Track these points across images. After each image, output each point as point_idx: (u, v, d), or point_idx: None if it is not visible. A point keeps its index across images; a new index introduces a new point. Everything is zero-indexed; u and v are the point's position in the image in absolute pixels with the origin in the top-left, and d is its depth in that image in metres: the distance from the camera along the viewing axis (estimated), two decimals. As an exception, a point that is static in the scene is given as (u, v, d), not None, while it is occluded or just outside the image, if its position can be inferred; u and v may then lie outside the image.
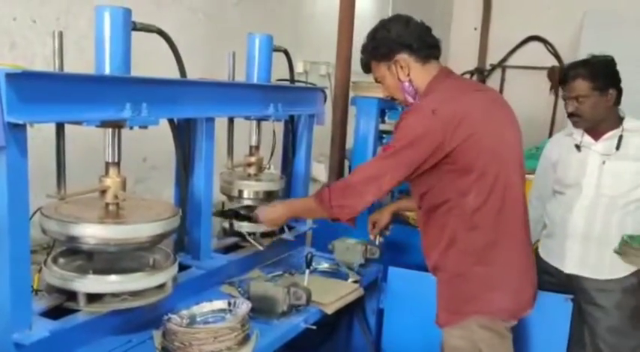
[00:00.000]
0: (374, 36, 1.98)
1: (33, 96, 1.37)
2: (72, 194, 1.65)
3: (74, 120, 1.52)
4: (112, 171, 1.73)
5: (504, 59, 7.90)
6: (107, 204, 1.74)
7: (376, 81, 2.08)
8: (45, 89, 1.41)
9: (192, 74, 2.01)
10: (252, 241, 2.29)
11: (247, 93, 2.16)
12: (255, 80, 2.30)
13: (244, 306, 1.75)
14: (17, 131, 1.36)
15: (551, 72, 7.41)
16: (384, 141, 3.40)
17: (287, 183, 2.68)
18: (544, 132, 7.84)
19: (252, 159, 2.40)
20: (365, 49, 2.02)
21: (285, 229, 2.45)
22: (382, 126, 3.39)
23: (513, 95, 5.42)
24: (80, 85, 1.51)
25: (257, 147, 2.42)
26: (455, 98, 1.86)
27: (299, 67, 4.55)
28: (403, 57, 1.94)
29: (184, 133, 2.03)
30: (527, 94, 6.91)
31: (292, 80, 2.60)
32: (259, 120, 2.38)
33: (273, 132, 2.60)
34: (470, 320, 1.90)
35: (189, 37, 3.14)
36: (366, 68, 2.06)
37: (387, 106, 3.30)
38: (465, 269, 1.91)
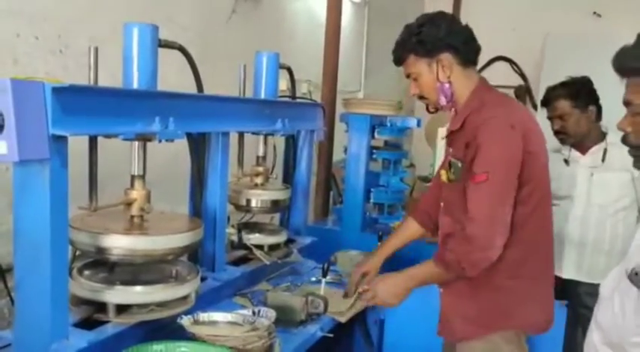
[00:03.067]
0: (420, 30, 1.89)
1: (75, 109, 1.41)
2: (103, 206, 1.67)
3: (110, 133, 1.56)
4: (138, 183, 1.76)
5: (472, 78, 8.12)
6: (132, 217, 1.76)
7: (408, 76, 1.99)
8: (85, 102, 1.44)
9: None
10: (259, 255, 2.32)
11: (258, 109, 2.22)
12: (262, 96, 2.36)
13: (270, 314, 1.79)
14: (60, 143, 1.39)
15: (518, 90, 7.67)
16: (373, 156, 3.49)
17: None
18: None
19: (260, 169, 2.45)
20: (405, 42, 1.93)
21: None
22: (373, 142, 3.49)
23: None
24: (116, 99, 1.54)
25: (264, 158, 2.48)
26: (516, 112, 1.86)
27: (282, 85, 4.65)
28: (447, 57, 1.88)
29: (199, 147, 2.07)
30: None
31: (294, 97, 2.67)
32: (266, 135, 2.44)
33: (274, 146, 2.66)
34: (495, 335, 1.88)
35: (180, 55, 3.19)
36: (400, 61, 1.97)
37: (376, 122, 3.40)
38: (497, 281, 1.86)
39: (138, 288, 1.68)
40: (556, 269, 2.64)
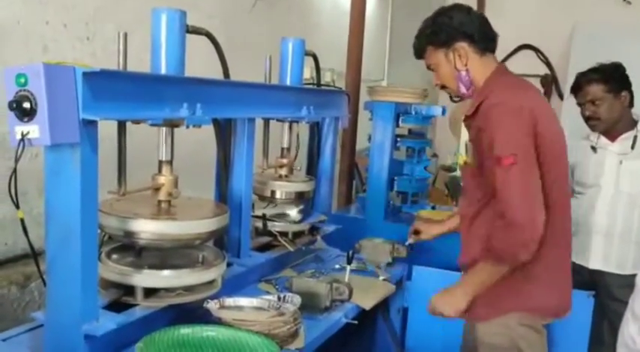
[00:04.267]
0: (434, 21, 1.95)
1: (105, 94, 1.42)
2: (131, 191, 1.69)
3: (138, 117, 1.57)
4: (166, 168, 1.77)
5: (497, 67, 8.02)
6: (160, 202, 1.78)
7: (428, 68, 2.04)
8: (114, 87, 1.45)
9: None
10: (283, 242, 2.33)
11: (284, 96, 2.22)
12: (288, 83, 2.36)
13: (295, 300, 1.79)
14: (90, 127, 1.41)
15: (544, 80, 7.57)
16: (398, 144, 3.47)
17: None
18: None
19: (284, 160, 2.45)
20: (422, 34, 1.99)
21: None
22: (397, 130, 3.47)
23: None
24: (145, 84, 1.55)
25: (288, 149, 2.48)
26: (526, 94, 1.87)
27: (306, 73, 4.65)
28: (463, 46, 1.92)
29: (225, 133, 2.08)
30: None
31: (319, 83, 2.66)
32: (291, 122, 2.44)
33: (297, 135, 2.66)
34: (509, 317, 1.89)
35: (207, 42, 3.20)
36: (420, 54, 2.02)
37: (401, 110, 3.37)
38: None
39: (165, 272, 1.69)
40: (583, 260, 2.63)
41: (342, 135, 4.08)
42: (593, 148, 2.68)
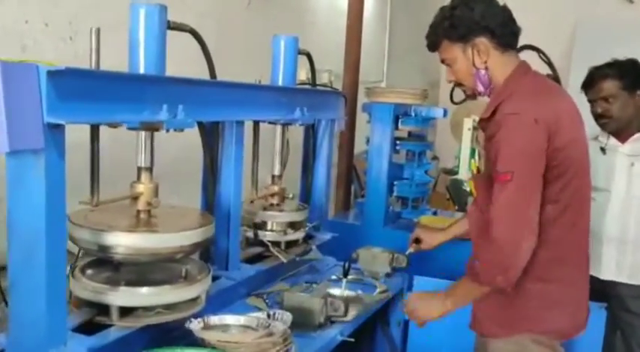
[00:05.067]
0: (452, 13, 1.77)
1: (73, 95, 1.28)
2: (105, 201, 1.55)
3: (113, 121, 1.44)
4: (145, 176, 1.64)
5: (498, 68, 7.93)
6: (139, 212, 1.64)
7: (443, 62, 1.87)
8: (84, 88, 1.32)
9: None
10: (275, 252, 2.19)
11: (276, 97, 2.08)
12: (280, 83, 2.23)
13: (286, 317, 1.66)
14: (56, 132, 1.27)
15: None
16: (397, 147, 3.34)
17: (307, 190, 2.61)
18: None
19: (275, 188, 2.32)
20: (438, 26, 1.81)
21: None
22: (396, 133, 3.33)
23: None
24: (119, 85, 1.42)
25: (280, 177, 2.34)
26: (548, 101, 1.72)
27: (301, 75, 4.52)
28: (483, 41, 1.75)
29: (212, 137, 1.95)
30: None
31: (314, 84, 2.53)
32: (284, 125, 2.30)
33: (287, 141, 2.51)
34: (524, 336, 1.77)
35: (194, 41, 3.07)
36: (434, 47, 1.85)
37: (400, 112, 3.24)
38: (523, 284, 1.70)
39: (143, 289, 1.55)
40: (594, 270, 2.48)
41: (339, 137, 3.95)
42: (603, 149, 2.54)
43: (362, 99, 3.67)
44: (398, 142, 3.32)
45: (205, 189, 1.99)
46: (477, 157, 1.81)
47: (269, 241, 2.22)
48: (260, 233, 2.23)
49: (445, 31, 1.79)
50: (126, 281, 1.59)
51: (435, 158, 6.52)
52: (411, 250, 2.43)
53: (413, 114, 3.29)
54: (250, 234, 2.25)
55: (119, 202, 1.65)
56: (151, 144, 1.62)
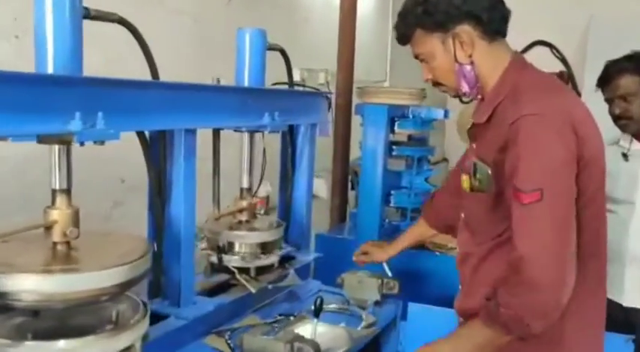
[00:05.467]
0: None
1: None
2: (6, 233, 1.25)
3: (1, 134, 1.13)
4: (61, 200, 1.32)
5: (509, 65, 7.60)
6: (55, 244, 1.34)
7: (416, 57, 1.56)
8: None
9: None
10: (243, 281, 1.88)
11: (237, 100, 1.77)
12: (246, 83, 1.92)
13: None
14: None
15: (560, 77, 7.10)
16: (394, 153, 3.01)
17: (286, 204, 2.29)
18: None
19: (244, 203, 2.00)
20: (408, 13, 1.49)
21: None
22: (391, 137, 3.01)
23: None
24: (11, 87, 1.11)
25: (249, 189, 2.03)
26: (565, 100, 1.40)
27: (295, 75, 4.20)
28: (466, 29, 1.43)
29: (158, 149, 1.64)
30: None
31: (291, 84, 2.22)
32: (252, 133, 1.99)
33: (264, 150, 2.21)
34: None
35: (174, 43, 2.78)
36: (404, 39, 1.54)
37: (397, 114, 2.92)
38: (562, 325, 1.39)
39: (60, 343, 1.24)
40: (616, 295, 2.14)
41: (334, 142, 3.64)
42: (625, 156, 2.20)
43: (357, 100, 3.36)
44: (394, 147, 3.00)
45: (152, 210, 1.68)
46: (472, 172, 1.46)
47: (235, 267, 1.91)
48: (225, 257, 1.92)
49: (418, 19, 1.46)
50: (38, 331, 1.28)
51: (444, 160, 6.18)
52: (355, 259, 2.26)
53: (410, 115, 2.97)
54: (215, 258, 1.94)
55: (33, 234, 1.34)
56: (67, 160, 1.32)
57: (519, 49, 5.24)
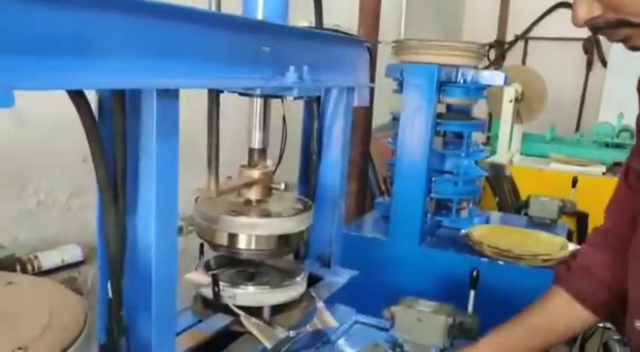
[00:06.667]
0: None
1: None
2: None
3: None
4: None
5: (528, 29, 6.95)
6: None
7: None
8: None
9: None
10: (253, 330, 1.20)
11: (246, 42, 1.07)
12: (259, 16, 1.21)
13: None
14: None
15: (587, 44, 6.44)
16: (438, 128, 2.34)
17: (309, 199, 1.61)
18: (572, 114, 6.91)
19: (256, 173, 1.31)
20: None
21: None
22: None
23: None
24: None
25: (263, 151, 1.33)
26: None
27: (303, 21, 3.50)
28: None
29: (113, 124, 0.95)
30: (554, 70, 5.85)
31: (320, 26, 1.51)
32: (267, 98, 1.29)
33: (283, 118, 1.54)
34: None
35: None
36: None
37: (446, 77, 2.23)
38: None
39: None
40: None
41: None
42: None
43: (383, 60, 2.67)
44: (439, 121, 2.31)
45: (103, 227, 0.99)
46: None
47: (238, 306, 1.23)
48: (224, 290, 1.23)
49: None
50: None
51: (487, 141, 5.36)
52: None
53: (461, 80, 2.28)
54: (207, 289, 1.25)
55: None
56: None
57: (541, 11, 4.53)
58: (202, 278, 1.26)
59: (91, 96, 0.91)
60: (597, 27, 0.91)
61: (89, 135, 0.89)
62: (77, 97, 0.84)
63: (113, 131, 0.93)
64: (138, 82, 0.85)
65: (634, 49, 0.93)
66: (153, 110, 0.91)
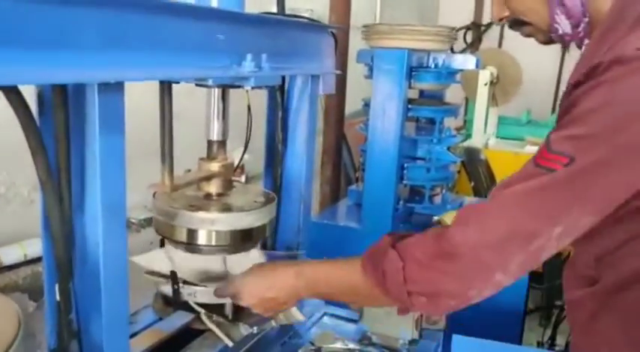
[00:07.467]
0: None
1: None
2: None
3: None
4: None
5: (505, 12, 6.92)
6: None
7: None
8: None
9: None
10: (214, 328, 1.17)
11: (199, 30, 1.02)
12: (214, 3, 1.16)
13: None
14: None
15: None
16: (410, 114, 2.31)
17: (274, 189, 1.58)
18: (548, 96, 6.93)
19: (215, 166, 1.26)
20: None
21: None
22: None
23: (513, 55, 4.42)
24: None
25: (222, 143, 1.29)
26: None
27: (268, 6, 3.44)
28: None
29: (54, 119, 0.90)
30: (530, 51, 5.83)
31: (282, 12, 1.47)
32: (225, 88, 1.25)
33: (248, 107, 1.49)
34: None
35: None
36: None
37: (417, 62, 2.20)
38: None
39: None
40: None
41: (324, 99, 2.91)
42: None
43: (355, 45, 2.62)
44: (410, 107, 2.28)
45: (48, 227, 0.94)
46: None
47: (199, 304, 1.20)
48: (183, 288, 1.20)
49: None
50: None
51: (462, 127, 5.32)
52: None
53: (432, 65, 2.25)
54: (166, 287, 1.22)
55: None
56: None
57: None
58: (161, 274, 1.23)
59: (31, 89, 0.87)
60: (509, 24, 1.09)
61: (25, 130, 0.84)
62: (9, 92, 0.80)
63: (55, 126, 0.89)
64: (75, 76, 0.80)
65: (543, 43, 1.12)
66: (95, 105, 0.87)
